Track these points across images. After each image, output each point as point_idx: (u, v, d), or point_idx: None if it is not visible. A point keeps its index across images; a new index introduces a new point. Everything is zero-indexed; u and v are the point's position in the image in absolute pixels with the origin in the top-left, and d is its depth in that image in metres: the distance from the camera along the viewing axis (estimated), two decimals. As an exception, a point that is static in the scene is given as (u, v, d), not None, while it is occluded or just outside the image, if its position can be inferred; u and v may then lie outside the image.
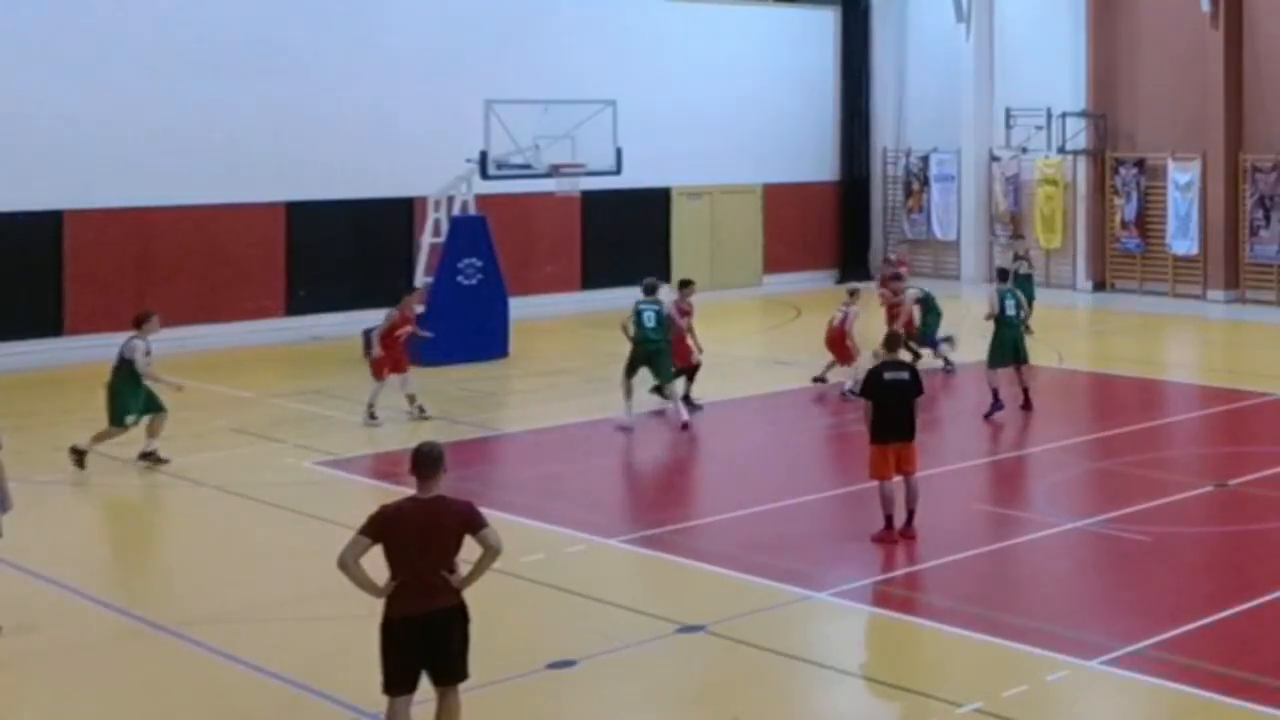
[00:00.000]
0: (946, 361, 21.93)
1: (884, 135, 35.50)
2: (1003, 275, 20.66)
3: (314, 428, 18.45)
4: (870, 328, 21.58)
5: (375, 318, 19.47)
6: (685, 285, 20.05)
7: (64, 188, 24.34)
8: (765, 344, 26.47)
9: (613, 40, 30.80)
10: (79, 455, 16.12)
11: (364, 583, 8.33)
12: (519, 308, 25.13)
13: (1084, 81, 32.04)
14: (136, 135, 24.96)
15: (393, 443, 17.33)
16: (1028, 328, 20.62)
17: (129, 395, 16.31)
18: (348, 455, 16.99)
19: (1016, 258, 26.55)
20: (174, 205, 25.53)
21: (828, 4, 35.21)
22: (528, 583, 12.15)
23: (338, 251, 27.28)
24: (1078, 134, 31.92)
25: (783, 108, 33.82)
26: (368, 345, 19.08)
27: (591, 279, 30.17)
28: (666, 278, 25.77)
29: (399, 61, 27.86)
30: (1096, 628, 11.12)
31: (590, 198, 28.58)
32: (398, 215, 27.76)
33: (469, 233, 23.77)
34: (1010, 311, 19.24)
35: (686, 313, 19.60)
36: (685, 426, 18.41)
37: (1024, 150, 32.40)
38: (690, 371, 19.55)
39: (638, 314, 18.66)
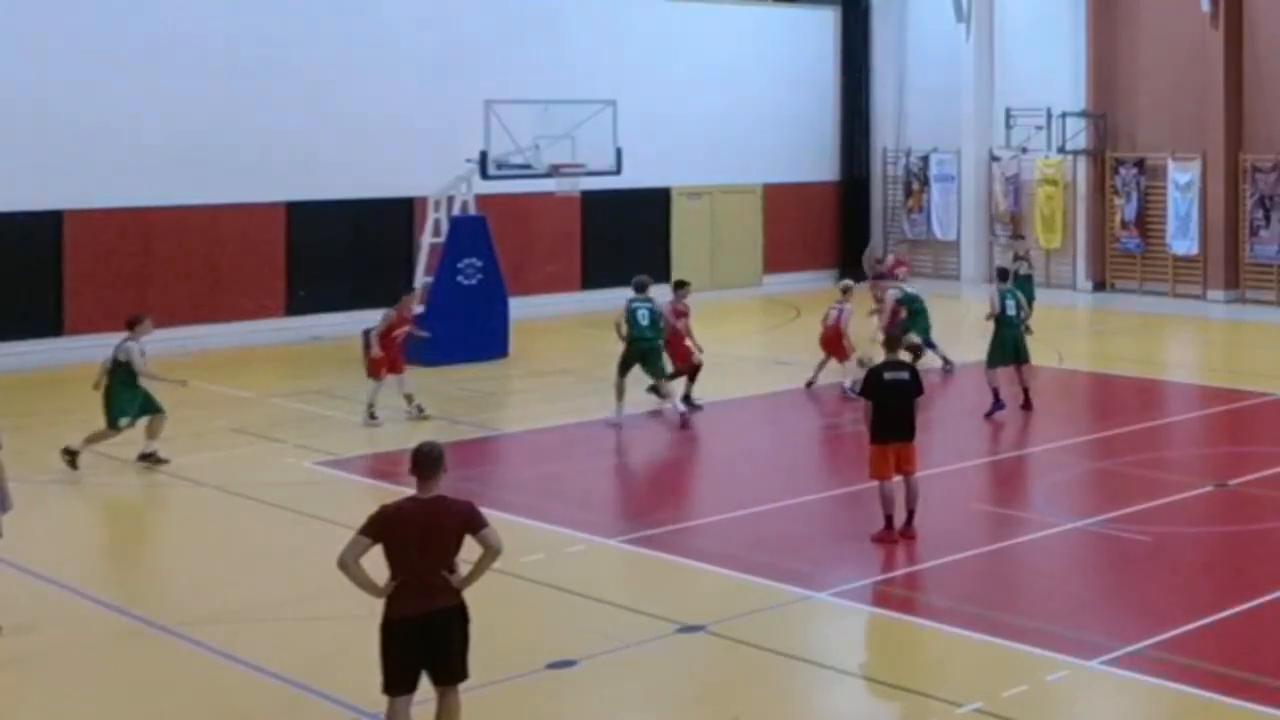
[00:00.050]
0: (945, 360, 21.91)
1: (884, 135, 35.50)
2: (1003, 275, 20.66)
3: (314, 428, 18.45)
4: (864, 327, 21.60)
5: (375, 318, 19.48)
6: (681, 286, 20.04)
7: (64, 188, 24.34)
8: (765, 344, 26.46)
9: (613, 40, 30.81)
10: (71, 456, 16.11)
11: (364, 583, 8.33)
12: (519, 308, 25.13)
13: (1084, 81, 32.04)
14: (136, 135, 24.96)
15: (392, 443, 17.32)
16: (1028, 328, 20.61)
17: (124, 397, 16.30)
18: (347, 455, 16.99)
19: (1016, 258, 26.53)
20: (174, 205, 25.53)
21: (828, 4, 35.22)
22: (528, 583, 12.14)
23: (338, 251, 27.27)
24: (1078, 134, 31.92)
25: (783, 108, 33.82)
26: (367, 345, 19.09)
27: (591, 279, 30.16)
28: (666, 278, 25.74)
29: (399, 61, 27.86)
30: (1096, 628, 11.12)
31: (590, 198, 28.58)
32: (398, 215, 27.76)
33: (469, 233, 23.77)
34: (1010, 311, 19.27)
35: (683, 313, 19.61)
36: (684, 425, 18.42)
37: (1024, 150, 32.41)
38: (691, 372, 19.55)
39: (631, 312, 18.67)
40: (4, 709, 9.99)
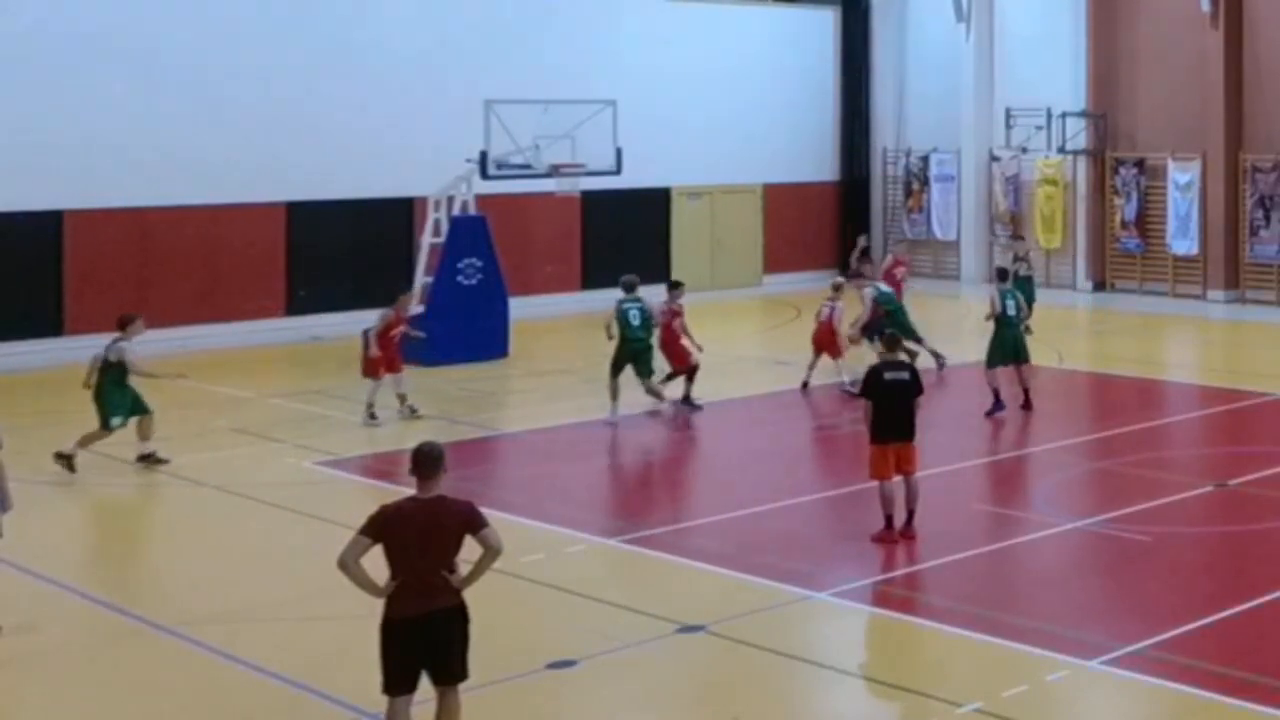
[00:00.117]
0: (937, 356, 21.86)
1: (884, 135, 35.49)
2: (1002, 275, 20.66)
3: (314, 428, 18.45)
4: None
5: (375, 318, 19.47)
6: (675, 287, 20.10)
7: (64, 188, 24.34)
8: (765, 344, 26.45)
9: (613, 40, 30.80)
10: (67, 459, 16.07)
11: (364, 583, 8.33)
12: (519, 308, 25.13)
13: (1084, 81, 32.04)
14: (136, 135, 24.95)
15: (392, 443, 17.33)
16: (1028, 328, 20.60)
17: (116, 397, 16.30)
18: (347, 455, 16.99)
19: (1016, 259, 26.51)
20: (174, 205, 25.52)
21: (828, 4, 35.22)
22: (528, 583, 12.14)
23: (338, 251, 27.26)
24: (1078, 134, 31.92)
25: (783, 108, 33.82)
26: (366, 345, 19.10)
27: (591, 279, 30.12)
28: (666, 278, 25.74)
29: (399, 61, 27.85)
30: (1096, 628, 11.12)
31: (590, 198, 28.58)
32: (398, 215, 27.75)
33: (469, 233, 23.77)
34: (1010, 311, 19.28)
35: (677, 313, 19.62)
36: (684, 423, 18.43)
37: (1024, 150, 32.41)
38: (689, 372, 19.55)
39: (623, 313, 18.72)
40: (4, 709, 9.99)
